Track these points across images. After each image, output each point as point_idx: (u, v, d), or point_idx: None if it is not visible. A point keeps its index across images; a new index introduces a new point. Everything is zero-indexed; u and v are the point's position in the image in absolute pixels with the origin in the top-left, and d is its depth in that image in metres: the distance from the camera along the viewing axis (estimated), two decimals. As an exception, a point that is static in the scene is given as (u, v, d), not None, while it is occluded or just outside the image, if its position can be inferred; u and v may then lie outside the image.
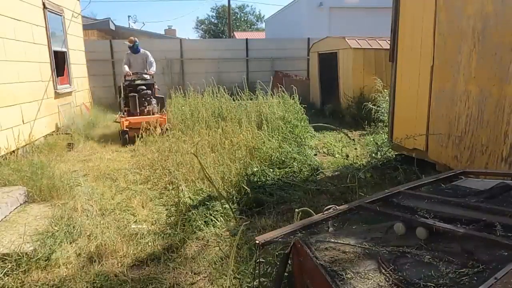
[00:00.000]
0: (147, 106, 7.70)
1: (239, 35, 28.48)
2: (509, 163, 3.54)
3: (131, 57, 8.21)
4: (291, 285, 1.81)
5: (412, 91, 5.05)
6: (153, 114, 7.60)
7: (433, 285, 1.28)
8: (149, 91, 7.78)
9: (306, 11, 17.15)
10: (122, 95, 7.90)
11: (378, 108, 7.83)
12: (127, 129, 7.20)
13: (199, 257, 3.04)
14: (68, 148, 6.65)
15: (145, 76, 7.95)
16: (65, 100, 8.32)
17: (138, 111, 7.59)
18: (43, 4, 7.38)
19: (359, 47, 9.53)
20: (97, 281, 2.72)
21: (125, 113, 7.62)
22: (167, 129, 7.11)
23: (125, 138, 7.21)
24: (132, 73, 7.90)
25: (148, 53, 8.31)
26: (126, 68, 7.96)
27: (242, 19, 45.13)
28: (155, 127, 6.86)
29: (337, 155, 6.13)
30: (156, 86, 8.18)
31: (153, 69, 8.14)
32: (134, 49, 8.15)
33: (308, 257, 1.54)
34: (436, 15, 4.47)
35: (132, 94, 7.61)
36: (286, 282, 1.85)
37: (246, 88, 8.21)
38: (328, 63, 10.69)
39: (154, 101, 7.85)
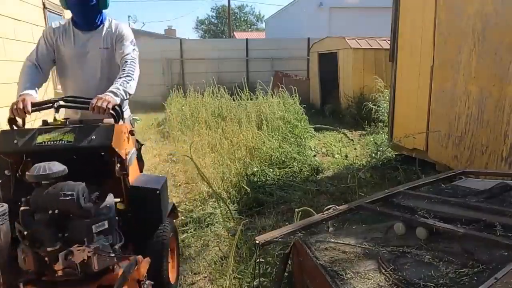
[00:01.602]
0: (70, 255, 1.57)
1: (239, 35, 28.46)
2: (509, 163, 3.54)
3: (63, 41, 2.57)
4: (291, 285, 1.81)
5: (412, 91, 5.04)
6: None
7: (433, 285, 1.28)
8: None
9: (306, 11, 17.16)
10: None
11: (378, 108, 7.83)
12: None
13: (199, 257, 3.04)
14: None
15: (94, 113, 2.02)
16: (65, 100, 8.31)
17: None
18: (43, 4, 7.37)
19: (359, 47, 9.53)
20: (97, 281, 2.72)
21: None
22: None
23: None
24: (62, 98, 2.21)
25: (123, 27, 2.46)
26: (29, 90, 2.29)
27: (242, 19, 45.12)
28: None
29: (337, 155, 6.13)
30: (139, 147, 2.61)
31: (130, 83, 2.19)
32: (82, 14, 2.40)
33: (308, 257, 1.54)
34: (436, 15, 4.47)
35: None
36: (286, 282, 1.85)
37: (246, 88, 8.20)
38: (328, 63, 10.68)
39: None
